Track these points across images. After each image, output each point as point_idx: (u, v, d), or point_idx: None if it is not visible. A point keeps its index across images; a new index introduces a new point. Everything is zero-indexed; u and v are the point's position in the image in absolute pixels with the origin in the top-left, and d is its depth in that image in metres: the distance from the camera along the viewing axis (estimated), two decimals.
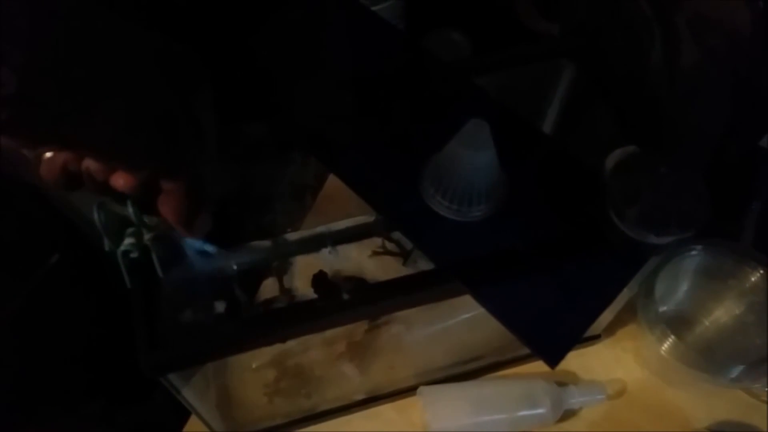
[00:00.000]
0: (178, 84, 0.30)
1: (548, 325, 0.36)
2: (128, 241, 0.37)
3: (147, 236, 0.37)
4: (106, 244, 0.37)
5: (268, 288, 0.64)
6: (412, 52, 0.51)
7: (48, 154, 0.30)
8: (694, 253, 0.52)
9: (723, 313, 0.55)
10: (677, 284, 0.55)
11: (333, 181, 0.68)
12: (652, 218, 0.36)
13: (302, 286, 0.63)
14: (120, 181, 0.30)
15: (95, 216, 0.35)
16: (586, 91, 0.52)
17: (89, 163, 0.30)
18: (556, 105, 0.54)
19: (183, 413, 0.57)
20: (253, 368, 0.58)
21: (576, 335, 0.36)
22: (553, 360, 0.35)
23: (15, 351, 0.62)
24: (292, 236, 0.66)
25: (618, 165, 0.38)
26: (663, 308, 0.55)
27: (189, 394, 0.43)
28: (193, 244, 0.41)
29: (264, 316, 0.46)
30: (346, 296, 0.39)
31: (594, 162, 0.42)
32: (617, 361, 0.59)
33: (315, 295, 0.63)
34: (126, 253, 0.37)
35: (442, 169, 0.40)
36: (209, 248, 0.41)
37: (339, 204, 0.68)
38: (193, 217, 0.34)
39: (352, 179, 0.44)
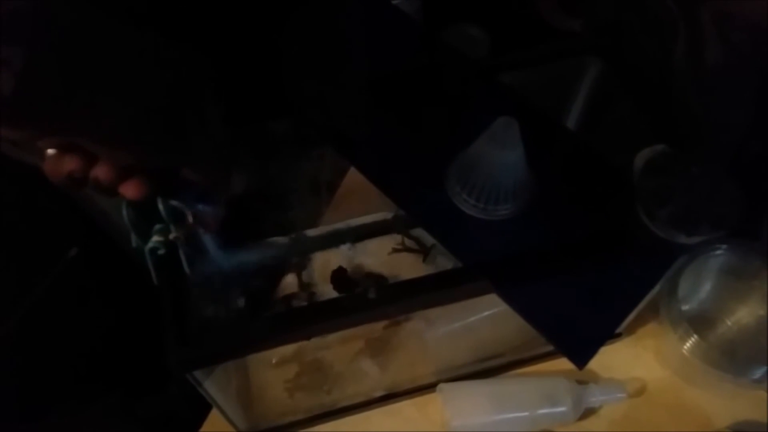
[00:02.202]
0: (180, 81, 0.30)
1: (576, 326, 0.36)
2: (156, 238, 0.37)
3: (174, 233, 0.37)
4: (134, 241, 0.37)
5: (288, 284, 0.64)
6: (436, 48, 0.51)
7: (50, 152, 0.29)
8: (718, 252, 0.51)
9: (746, 313, 0.55)
10: (700, 283, 0.55)
11: (351, 178, 0.68)
12: (684, 218, 0.35)
13: (321, 282, 0.64)
14: (129, 190, 0.31)
15: (123, 213, 0.35)
16: (611, 89, 0.51)
17: (99, 171, 0.30)
18: (580, 102, 0.53)
19: (200, 404, 0.57)
20: (273, 363, 0.58)
21: (604, 336, 0.35)
22: (581, 361, 0.34)
23: (34, 344, 0.63)
24: (311, 232, 0.66)
25: (647, 164, 0.37)
26: (685, 307, 0.54)
27: (211, 388, 0.43)
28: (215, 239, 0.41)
29: (289, 313, 0.46)
30: (372, 295, 0.39)
31: (621, 160, 0.42)
32: (638, 360, 0.59)
33: (334, 292, 0.64)
34: (154, 250, 0.37)
35: (468, 166, 0.40)
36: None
37: (358, 200, 0.68)
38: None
39: (376, 176, 0.44)
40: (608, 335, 0.36)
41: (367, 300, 0.38)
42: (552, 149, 0.43)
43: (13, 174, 0.47)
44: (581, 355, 0.34)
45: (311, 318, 0.38)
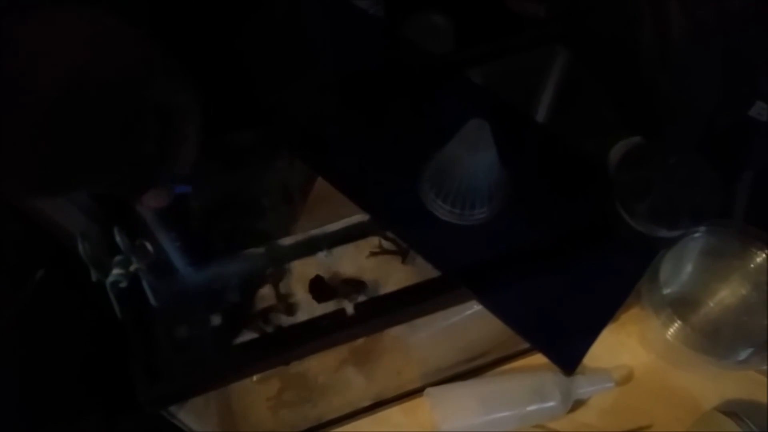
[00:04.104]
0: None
1: (562, 330, 0.35)
2: (116, 271, 0.35)
3: (135, 264, 0.35)
4: (93, 275, 0.35)
5: (265, 296, 0.62)
6: (398, 45, 0.49)
7: None
8: (697, 234, 0.51)
9: (728, 294, 0.55)
10: (682, 266, 0.55)
11: (323, 182, 0.66)
12: (663, 212, 0.34)
13: (299, 291, 0.62)
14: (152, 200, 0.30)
15: (80, 248, 0.33)
16: (580, 78, 0.50)
17: None
18: (549, 94, 0.52)
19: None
20: (254, 381, 0.56)
21: (591, 338, 0.34)
22: (571, 366, 0.34)
23: (6, 369, 0.61)
24: (285, 241, 0.64)
25: (623, 158, 0.36)
26: (667, 290, 0.54)
27: (187, 418, 0.42)
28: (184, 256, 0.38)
29: (266, 339, 0.44)
30: (350, 311, 0.37)
31: (595, 154, 0.41)
32: (622, 347, 0.59)
33: (313, 301, 0.62)
34: (115, 283, 0.35)
35: (442, 172, 0.39)
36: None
37: (331, 205, 0.66)
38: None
39: (345, 184, 0.43)
40: (594, 337, 0.35)
41: (346, 318, 0.37)
42: (524, 146, 0.42)
43: None
44: (570, 361, 0.34)
45: (289, 342, 0.36)
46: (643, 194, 0.35)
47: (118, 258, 0.35)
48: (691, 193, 0.35)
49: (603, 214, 0.37)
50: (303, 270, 0.63)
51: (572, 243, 0.37)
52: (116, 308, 0.35)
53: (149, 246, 0.35)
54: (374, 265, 0.64)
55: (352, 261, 0.64)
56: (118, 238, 0.32)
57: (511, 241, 0.38)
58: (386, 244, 0.65)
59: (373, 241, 0.65)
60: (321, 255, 0.65)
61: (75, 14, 0.26)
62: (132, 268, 0.35)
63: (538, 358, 0.58)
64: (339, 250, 0.65)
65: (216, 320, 0.57)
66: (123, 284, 0.35)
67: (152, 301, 0.35)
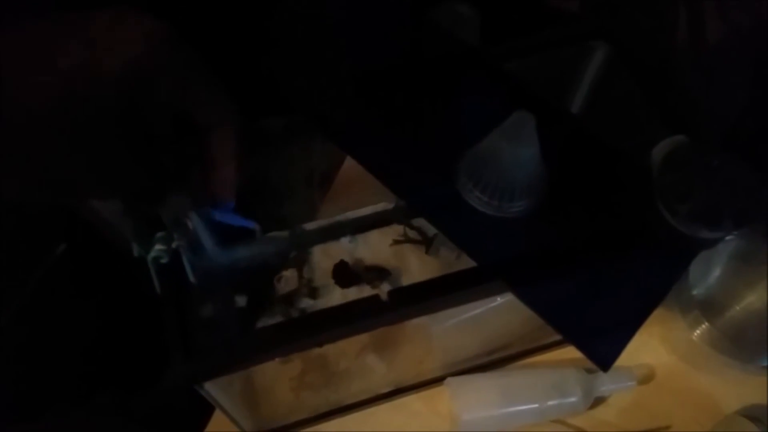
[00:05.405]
0: None
1: (598, 327, 0.35)
2: (158, 246, 0.35)
3: (177, 241, 0.35)
4: (135, 250, 0.35)
5: (289, 280, 0.62)
6: (434, 36, 0.49)
7: None
8: (729, 238, 0.50)
9: (756, 299, 0.54)
10: (710, 269, 0.54)
11: (348, 169, 0.66)
12: (706, 213, 0.34)
13: (323, 276, 0.62)
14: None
15: (124, 223, 0.33)
16: (619, 74, 0.50)
17: None
18: (585, 89, 0.52)
19: (196, 398, 0.57)
20: (276, 362, 0.57)
21: (627, 336, 0.34)
22: (606, 363, 0.34)
23: (23, 344, 0.61)
24: (310, 226, 0.65)
25: (666, 157, 0.36)
26: (694, 292, 0.54)
27: (213, 390, 0.42)
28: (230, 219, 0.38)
29: (302, 320, 0.44)
30: (384, 298, 0.37)
31: (635, 150, 0.40)
32: (644, 346, 0.58)
33: (336, 286, 0.62)
34: (156, 259, 0.35)
35: (481, 162, 0.38)
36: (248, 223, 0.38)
37: (356, 192, 0.66)
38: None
39: (380, 169, 0.42)
40: (631, 334, 0.35)
41: (380, 303, 0.37)
42: (563, 141, 0.41)
43: None
44: (605, 357, 0.34)
45: (324, 324, 0.36)
46: (686, 194, 0.35)
47: (159, 234, 0.35)
48: (734, 195, 0.35)
49: (643, 213, 0.37)
50: (326, 255, 0.64)
51: (610, 240, 0.37)
52: (155, 283, 0.36)
53: (190, 223, 0.35)
54: (397, 253, 0.65)
55: (375, 248, 0.65)
56: (162, 213, 0.33)
57: (549, 235, 0.38)
58: (411, 233, 0.65)
59: (397, 230, 0.65)
60: (344, 241, 0.65)
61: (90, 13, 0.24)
62: (174, 244, 0.35)
63: (559, 354, 0.58)
64: (362, 237, 0.65)
65: (242, 301, 0.58)
66: (164, 260, 0.35)
67: (191, 278, 0.36)
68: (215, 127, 0.30)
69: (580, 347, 0.34)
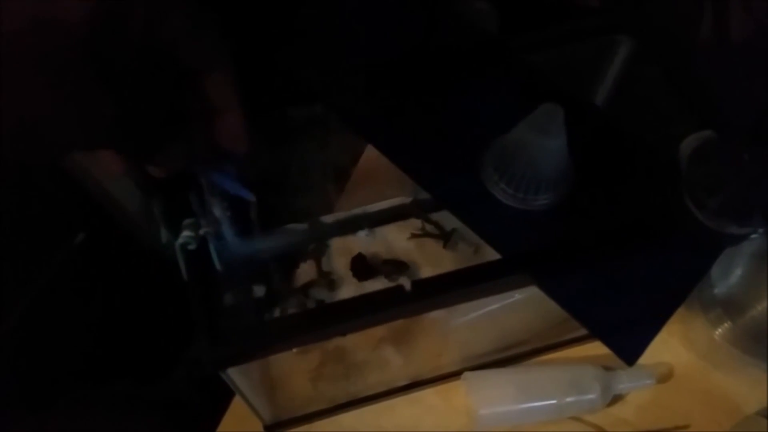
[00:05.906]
0: None
1: (624, 321, 0.35)
2: (186, 233, 0.35)
3: (204, 228, 0.36)
4: (164, 236, 0.36)
5: (306, 271, 0.63)
6: (456, 28, 0.49)
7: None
8: (753, 236, 0.50)
9: None
10: (732, 267, 0.54)
11: (366, 162, 0.66)
12: (735, 209, 0.34)
13: (340, 269, 0.62)
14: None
15: (154, 208, 0.34)
16: (645, 69, 0.49)
17: None
18: (610, 83, 0.52)
19: (208, 389, 0.57)
20: (295, 352, 0.57)
21: (653, 331, 0.34)
22: (632, 358, 0.33)
23: (40, 332, 0.62)
24: (327, 219, 0.65)
25: (695, 151, 0.36)
26: (717, 290, 0.54)
27: (235, 376, 0.42)
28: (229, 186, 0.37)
29: (326, 308, 0.45)
30: (408, 288, 0.37)
31: (663, 144, 0.40)
32: (664, 344, 0.58)
33: (353, 279, 0.62)
34: (184, 245, 0.36)
35: (507, 154, 0.38)
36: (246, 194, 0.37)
37: (373, 185, 0.66)
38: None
39: (404, 160, 0.42)
40: (657, 329, 0.34)
41: (404, 294, 0.37)
42: (590, 135, 0.41)
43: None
44: (630, 352, 0.33)
45: (348, 314, 0.36)
46: (714, 188, 0.34)
47: (188, 220, 0.36)
48: (764, 189, 0.35)
49: (670, 207, 0.37)
50: (344, 248, 0.64)
51: (637, 235, 0.37)
52: (183, 270, 0.36)
53: (217, 211, 0.35)
54: (414, 247, 0.65)
55: (393, 242, 0.65)
56: (192, 199, 0.33)
57: (574, 229, 0.38)
58: (429, 227, 0.65)
59: (415, 224, 0.65)
60: (362, 234, 0.65)
61: None
62: (201, 231, 0.35)
63: (578, 350, 0.58)
64: (380, 231, 0.65)
65: (260, 291, 0.58)
66: (192, 246, 0.35)
67: (217, 265, 0.36)
68: (208, 69, 0.27)
69: (606, 341, 0.34)
